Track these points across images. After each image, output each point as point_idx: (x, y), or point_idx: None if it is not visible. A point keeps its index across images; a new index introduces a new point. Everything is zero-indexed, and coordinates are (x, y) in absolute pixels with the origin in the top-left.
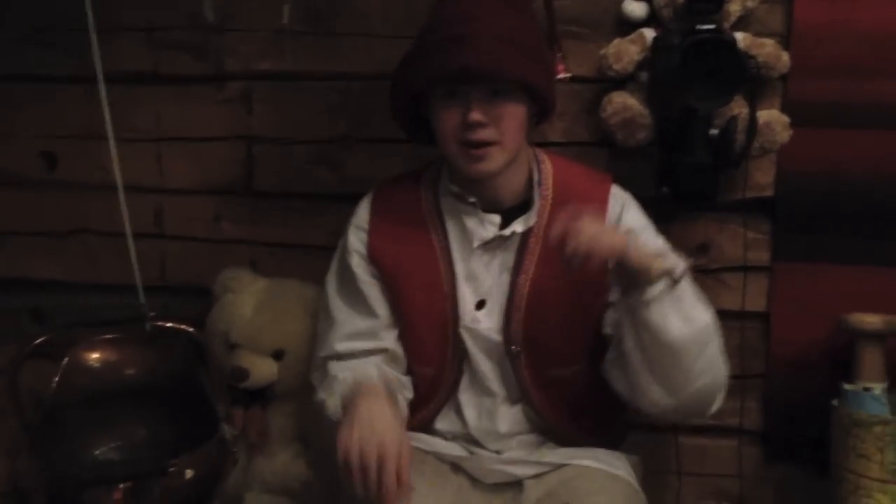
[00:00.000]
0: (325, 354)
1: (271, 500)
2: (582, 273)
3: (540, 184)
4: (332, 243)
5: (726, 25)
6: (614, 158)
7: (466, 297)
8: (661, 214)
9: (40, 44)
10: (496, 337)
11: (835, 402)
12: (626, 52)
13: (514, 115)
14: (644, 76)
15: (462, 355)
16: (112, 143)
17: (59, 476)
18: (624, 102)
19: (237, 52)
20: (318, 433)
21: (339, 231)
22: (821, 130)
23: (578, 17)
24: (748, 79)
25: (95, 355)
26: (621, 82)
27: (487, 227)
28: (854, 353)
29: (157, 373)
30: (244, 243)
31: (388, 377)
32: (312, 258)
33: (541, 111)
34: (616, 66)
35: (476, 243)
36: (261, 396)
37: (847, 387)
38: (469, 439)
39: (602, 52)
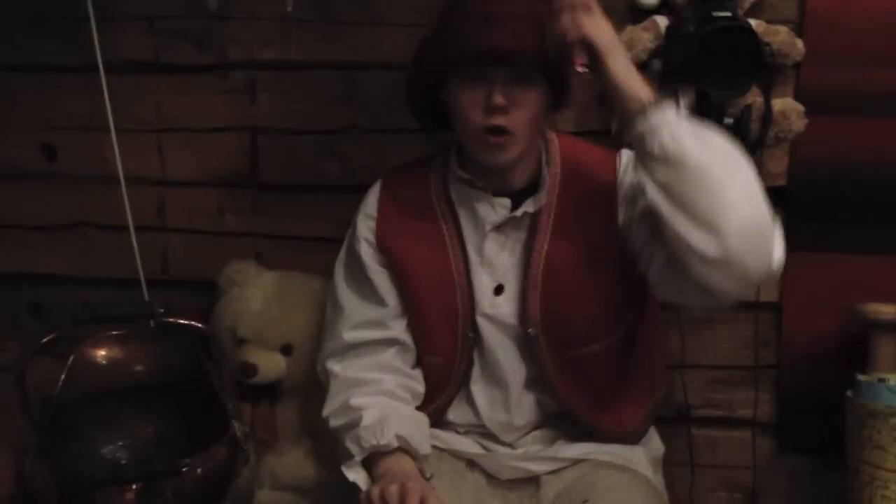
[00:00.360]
0: (335, 345)
1: (282, 497)
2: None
3: (549, 163)
4: (339, 235)
5: (740, 12)
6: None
7: (484, 283)
8: None
9: (38, 33)
10: (514, 321)
11: (849, 394)
12: (639, 39)
13: (533, 102)
14: (657, 64)
15: (473, 343)
16: (113, 134)
17: (71, 476)
18: None
19: (240, 40)
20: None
21: (346, 223)
22: (834, 118)
23: None
24: (766, 67)
25: (102, 352)
26: None
27: (498, 210)
28: (868, 344)
29: (164, 369)
30: (249, 236)
31: (412, 432)
32: (319, 251)
33: (556, 101)
34: (629, 54)
35: (488, 227)
36: (268, 392)
37: (861, 378)
38: (483, 431)
39: None
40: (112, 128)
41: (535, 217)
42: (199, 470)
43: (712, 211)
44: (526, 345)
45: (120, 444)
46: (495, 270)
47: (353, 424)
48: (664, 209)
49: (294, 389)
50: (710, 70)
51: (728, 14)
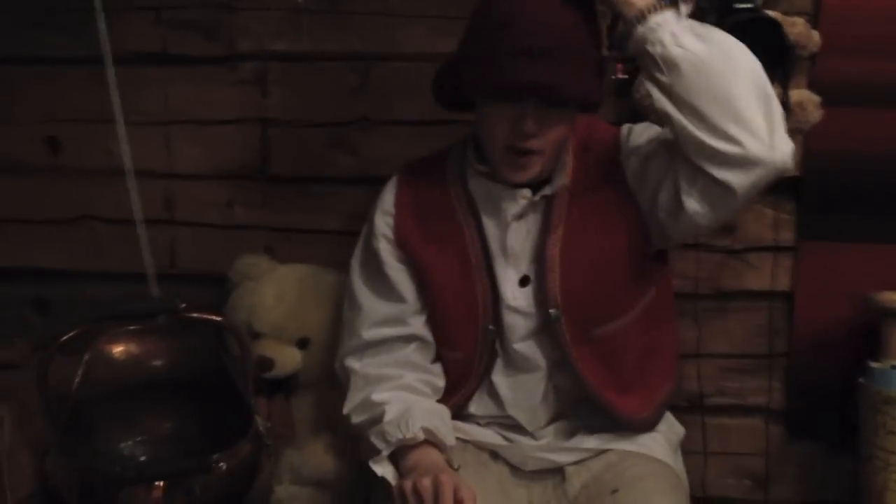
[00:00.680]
0: (354, 343)
1: (301, 492)
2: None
3: (566, 149)
4: (350, 228)
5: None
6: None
7: (509, 276)
8: None
9: (42, 24)
10: (536, 306)
11: (862, 381)
12: None
13: (563, 123)
14: None
15: (496, 336)
16: (121, 126)
17: (95, 474)
18: None
19: (250, 31)
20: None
21: (357, 215)
22: (847, 109)
23: None
24: (789, 59)
25: (118, 348)
26: None
27: (520, 201)
28: (880, 332)
29: (181, 365)
30: (259, 229)
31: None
32: (330, 243)
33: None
34: None
35: (510, 218)
36: (283, 386)
37: (874, 365)
38: (504, 423)
39: None
40: (120, 120)
41: (550, 198)
42: (224, 466)
43: (720, 108)
44: (547, 328)
45: (138, 440)
46: (519, 262)
47: (377, 420)
48: (673, 113)
49: (309, 383)
50: None
51: (750, 6)
